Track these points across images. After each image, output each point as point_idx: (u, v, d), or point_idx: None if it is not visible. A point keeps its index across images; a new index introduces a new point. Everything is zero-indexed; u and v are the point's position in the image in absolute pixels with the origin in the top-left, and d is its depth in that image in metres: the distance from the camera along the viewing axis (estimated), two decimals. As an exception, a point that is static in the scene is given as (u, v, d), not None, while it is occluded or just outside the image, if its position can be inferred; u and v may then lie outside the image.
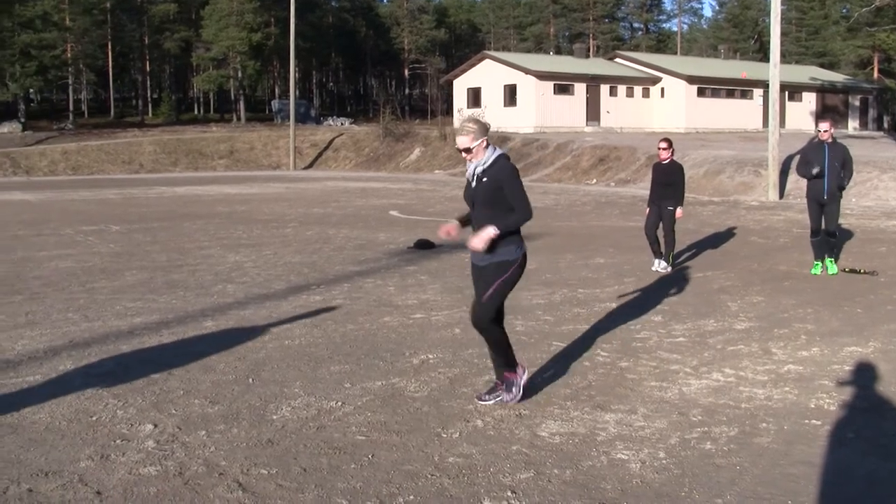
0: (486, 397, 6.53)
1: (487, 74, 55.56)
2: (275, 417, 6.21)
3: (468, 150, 6.20)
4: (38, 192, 33.10)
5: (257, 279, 12.24)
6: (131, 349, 8.23)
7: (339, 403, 6.50)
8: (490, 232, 6.06)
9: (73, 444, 5.69)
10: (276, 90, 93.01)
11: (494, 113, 51.61)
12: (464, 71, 58.87)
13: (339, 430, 5.95)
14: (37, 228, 19.51)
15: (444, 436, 5.83)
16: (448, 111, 62.01)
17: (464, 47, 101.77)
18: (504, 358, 6.45)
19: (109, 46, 79.76)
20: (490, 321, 6.27)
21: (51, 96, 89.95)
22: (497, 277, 6.20)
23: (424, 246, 15.31)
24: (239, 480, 5.09)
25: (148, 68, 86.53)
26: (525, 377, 6.55)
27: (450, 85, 61.30)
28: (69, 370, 7.50)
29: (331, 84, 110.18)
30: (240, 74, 78.22)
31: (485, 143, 6.21)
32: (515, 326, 9.03)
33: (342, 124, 69.57)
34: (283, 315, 9.76)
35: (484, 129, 6.19)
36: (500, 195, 6.12)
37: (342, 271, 12.89)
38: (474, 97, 56.11)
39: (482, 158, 6.21)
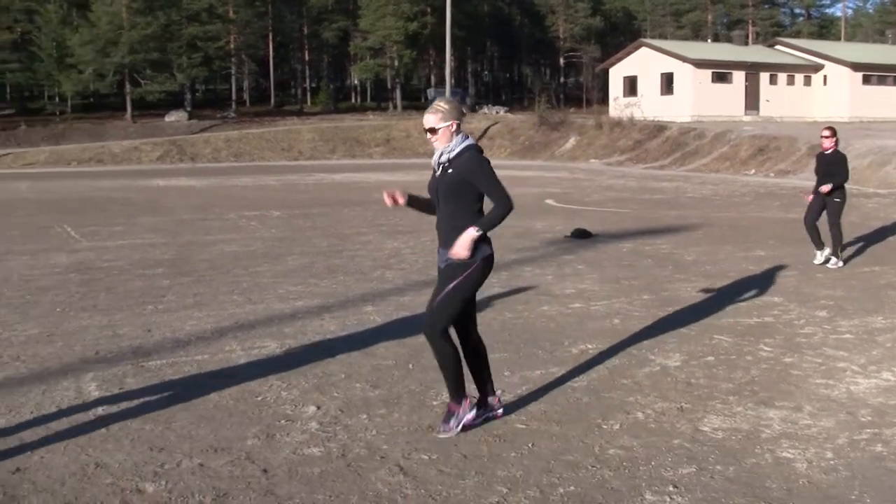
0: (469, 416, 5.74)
1: (644, 62, 54.78)
2: (435, 403, 6.25)
3: (433, 131, 5.53)
4: (202, 178, 34.21)
5: (415, 266, 12.37)
6: (294, 332, 8.42)
7: (499, 391, 6.49)
8: (471, 234, 5.43)
9: (240, 423, 5.85)
10: (432, 79, 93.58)
11: (651, 102, 50.95)
12: (620, 59, 58.19)
13: (499, 418, 5.95)
14: (202, 213, 20.20)
15: (605, 427, 5.77)
16: (604, 100, 61.45)
17: (619, 35, 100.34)
18: (450, 382, 5.65)
19: (270, 37, 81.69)
20: (440, 334, 5.49)
21: (214, 86, 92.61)
22: (451, 280, 5.51)
23: (582, 235, 15.18)
24: (400, 464, 5.14)
25: (307, 58, 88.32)
26: (470, 415, 5.69)
27: (605, 73, 60.71)
28: (235, 351, 7.73)
29: (486, 73, 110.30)
30: (396, 63, 79.04)
31: (454, 127, 5.52)
32: (675, 318, 8.89)
33: (497, 113, 69.52)
34: (441, 301, 9.81)
35: (456, 112, 5.54)
36: (463, 189, 5.47)
37: (499, 259, 12.79)
38: (630, 86, 55.43)
39: (448, 145, 5.54)
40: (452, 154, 5.52)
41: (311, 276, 11.46)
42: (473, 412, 5.70)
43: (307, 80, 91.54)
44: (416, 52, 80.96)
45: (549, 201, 23.02)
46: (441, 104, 5.56)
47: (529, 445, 5.43)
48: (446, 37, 54.54)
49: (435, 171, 5.67)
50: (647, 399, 6.33)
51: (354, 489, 4.80)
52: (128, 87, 65.57)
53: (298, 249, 13.94)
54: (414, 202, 5.76)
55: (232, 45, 74.44)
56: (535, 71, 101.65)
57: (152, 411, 6.08)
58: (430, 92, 79.94)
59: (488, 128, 57.87)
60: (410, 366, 7.21)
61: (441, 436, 5.59)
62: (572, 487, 4.81)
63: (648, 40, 61.74)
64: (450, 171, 5.52)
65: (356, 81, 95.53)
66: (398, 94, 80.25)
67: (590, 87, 73.91)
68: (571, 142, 50.00)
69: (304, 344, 7.95)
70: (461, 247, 5.44)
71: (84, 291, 10.59)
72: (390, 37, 76.67)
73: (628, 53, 57.61)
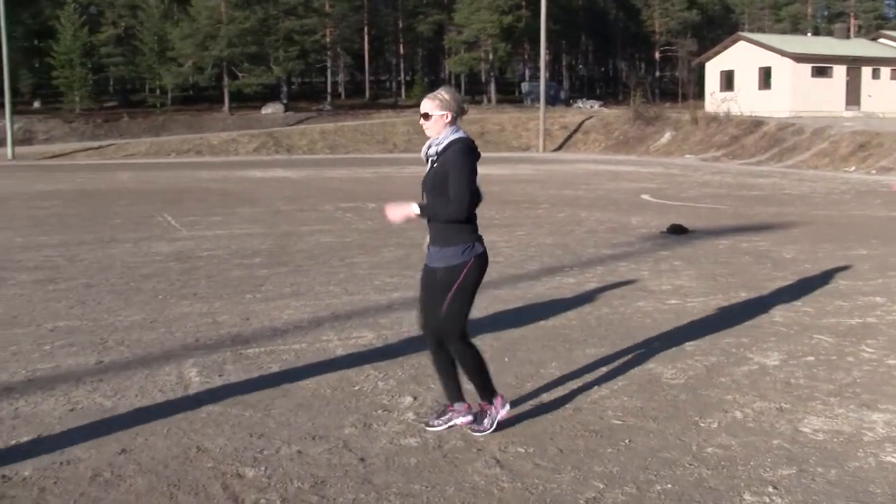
0: (435, 422, 5.67)
1: (741, 57, 53.90)
2: (531, 397, 6.25)
3: (426, 116, 5.36)
4: (298, 170, 34.64)
5: (511, 259, 12.37)
6: (390, 323, 8.49)
7: (595, 386, 6.48)
8: (411, 209, 5.36)
9: (337, 412, 5.92)
10: (526, 72, 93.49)
11: (748, 96, 50.10)
12: (716, 53, 57.36)
13: (595, 413, 5.92)
14: (298, 204, 20.47)
15: (703, 425, 5.70)
16: (700, 94, 60.56)
17: (716, 29, 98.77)
18: (478, 383, 5.56)
19: (365, 31, 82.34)
20: (458, 339, 5.42)
21: (310, 79, 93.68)
22: (448, 286, 5.37)
23: (678, 231, 15.01)
24: (496, 457, 5.15)
25: (402, 51, 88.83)
26: (504, 412, 5.59)
27: (701, 67, 59.90)
28: (332, 340, 7.82)
29: (580, 66, 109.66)
30: (490, 57, 79.02)
31: (447, 118, 5.34)
32: (774, 316, 8.75)
33: (591, 107, 69.12)
34: (537, 296, 9.82)
35: (454, 105, 5.37)
36: (445, 184, 5.29)
37: (595, 254, 12.84)
38: (727, 80, 54.60)
39: (438, 137, 5.37)
40: (440, 147, 5.36)
41: (407, 268, 11.54)
42: (507, 409, 5.59)
43: (402, 74, 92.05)
44: (510, 46, 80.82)
45: (645, 197, 22.79)
46: (442, 93, 5.41)
47: (626, 441, 5.39)
48: (541, 30, 54.23)
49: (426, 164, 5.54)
50: (745, 398, 6.24)
51: (451, 480, 4.83)
52: (226, 79, 66.71)
53: (394, 241, 14.04)
54: (426, 210, 5.39)
55: (328, 39, 75.18)
56: (630, 65, 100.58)
57: (251, 398, 6.18)
58: (525, 86, 79.80)
59: (582, 122, 57.54)
60: (506, 359, 7.22)
61: (476, 435, 5.48)
62: (669, 485, 4.77)
63: (746, 34, 60.65)
64: (436, 164, 5.38)
65: (451, 75, 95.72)
66: (492, 87, 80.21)
67: (685, 81, 72.86)
68: (667, 137, 49.43)
69: (401, 335, 8.02)
70: (393, 211, 5.48)
71: (184, 279, 10.83)
72: (485, 30, 76.66)
73: (725, 47, 56.75)
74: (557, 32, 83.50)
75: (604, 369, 6.95)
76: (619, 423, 5.74)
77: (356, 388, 6.44)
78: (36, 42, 75.25)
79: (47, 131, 57.34)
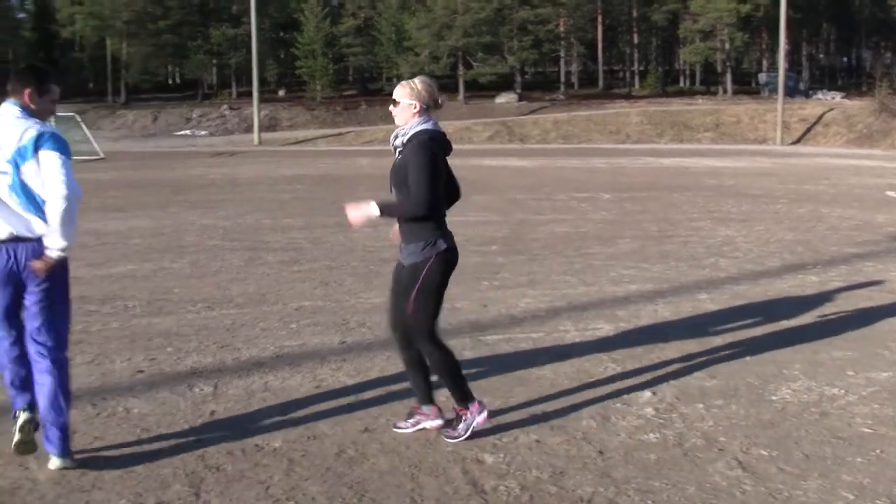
0: (401, 424, 5.45)
1: None
2: (774, 398, 6.01)
3: (395, 103, 5.17)
4: (531, 159, 34.80)
5: (749, 255, 11.97)
6: (627, 315, 8.38)
7: (842, 391, 6.16)
8: (369, 210, 5.05)
9: (575, 403, 5.87)
10: (764, 63, 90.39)
11: None
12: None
13: (843, 419, 5.63)
14: (532, 193, 20.55)
15: (967, 438, 5.34)
16: (955, 85, 56.86)
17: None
18: (452, 387, 5.29)
19: (599, 20, 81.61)
20: (426, 339, 5.19)
21: (543, 69, 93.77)
22: (411, 285, 5.17)
23: (931, 230, 14.16)
24: (738, 458, 4.98)
25: (635, 41, 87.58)
26: (481, 419, 5.29)
27: (960, 57, 56.25)
28: (569, 331, 7.78)
29: (821, 56, 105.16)
30: (727, 46, 76.83)
31: (416, 108, 5.12)
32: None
33: (833, 98, 66.13)
34: (778, 293, 9.47)
35: (425, 95, 5.13)
36: (405, 178, 5.06)
37: (838, 252, 12.26)
38: None
39: (405, 127, 5.15)
40: (405, 137, 5.13)
41: (643, 261, 11.36)
42: (485, 415, 5.30)
43: (635, 64, 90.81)
44: (747, 35, 78.31)
45: (891, 193, 21.59)
46: (415, 82, 5.19)
47: (877, 451, 5.10)
48: (780, 18, 52.35)
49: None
50: None
51: (692, 479, 4.70)
52: (461, 69, 67.70)
53: (629, 233, 13.86)
54: (386, 210, 5.10)
55: (562, 28, 75.00)
56: (875, 54, 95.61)
57: (490, 384, 6.23)
58: (762, 76, 77.14)
59: (823, 114, 55.15)
60: (748, 358, 6.97)
61: (449, 440, 5.23)
62: (929, 501, 4.48)
63: None
64: (399, 157, 5.17)
65: (685, 65, 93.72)
66: (728, 78, 77.95)
67: (938, 71, 68.61)
68: (919, 130, 46.71)
69: (638, 328, 7.89)
70: (353, 212, 5.15)
71: (424, 265, 11.02)
72: (721, 19, 74.49)
73: None
74: (797, 20, 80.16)
75: (851, 374, 6.60)
76: (869, 431, 5.43)
77: (594, 379, 6.38)
78: (281, 34, 78.69)
79: (290, 118, 60.00)
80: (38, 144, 4.66)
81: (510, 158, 35.04)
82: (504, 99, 66.17)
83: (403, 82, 5.22)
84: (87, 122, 47.79)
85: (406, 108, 5.14)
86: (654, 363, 6.79)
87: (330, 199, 18.87)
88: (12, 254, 4.77)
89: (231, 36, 72.75)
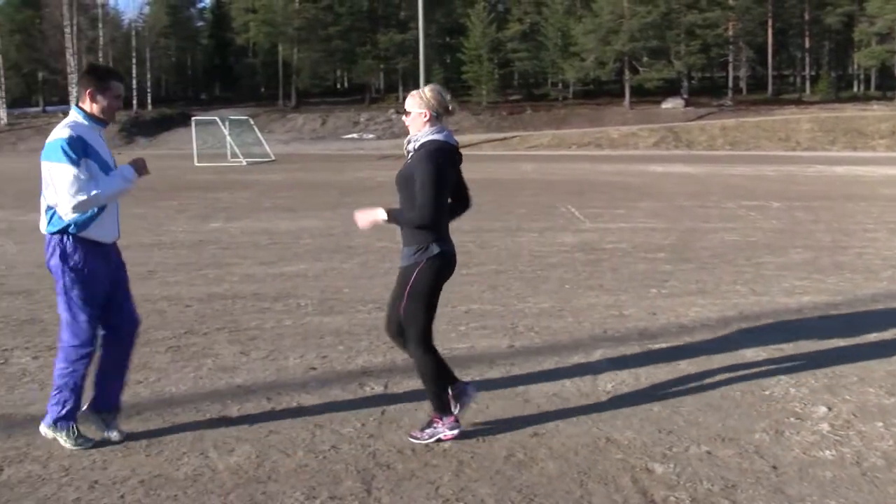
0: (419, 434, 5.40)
1: None
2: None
3: (407, 114, 5.32)
4: (698, 166, 34.21)
5: (937, 268, 11.51)
6: (800, 327, 8.15)
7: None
8: (376, 214, 5.26)
9: (747, 415, 5.76)
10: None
11: None
12: None
13: None
14: (700, 200, 20.22)
15: None
16: None
17: None
18: (432, 395, 5.35)
19: (769, 23, 79.53)
20: (417, 343, 5.27)
21: (710, 74, 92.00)
22: (402, 288, 5.23)
23: None
24: (921, 482, 4.80)
25: (807, 44, 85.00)
26: (451, 434, 5.30)
27: None
28: (740, 341, 7.62)
29: None
30: (905, 50, 73.89)
31: (426, 116, 5.22)
32: None
33: None
34: None
35: (435, 103, 5.22)
36: (412, 184, 5.14)
37: None
38: None
39: (417, 135, 5.25)
40: (417, 144, 5.23)
41: (816, 272, 11.04)
42: (455, 432, 5.30)
43: (807, 68, 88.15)
44: (930, 38, 75.06)
45: None
46: (424, 91, 5.27)
47: None
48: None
49: None
50: None
51: (870, 500, 4.56)
52: (626, 74, 67.11)
53: (801, 243, 13.48)
54: (392, 215, 5.29)
55: (730, 32, 73.43)
56: None
57: (659, 394, 6.17)
58: (945, 81, 73.80)
59: None
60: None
61: (411, 440, 5.31)
62: None
63: None
64: (408, 161, 5.26)
65: (860, 69, 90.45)
66: (906, 82, 74.95)
67: None
68: None
69: (811, 340, 7.67)
70: (361, 216, 5.33)
71: (590, 271, 11.02)
72: (900, 21, 71.68)
73: None
74: None
75: None
76: None
77: (767, 392, 6.24)
78: (447, 39, 79.66)
79: (456, 123, 60.44)
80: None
81: (676, 165, 34.52)
82: (670, 104, 65.25)
83: (413, 92, 5.35)
84: (259, 126, 49.44)
85: (417, 118, 5.27)
86: (830, 377, 6.59)
87: (496, 203, 19.00)
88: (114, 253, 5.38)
89: (398, 41, 74.09)
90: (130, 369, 5.61)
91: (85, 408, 5.35)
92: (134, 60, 77.06)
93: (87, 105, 5.16)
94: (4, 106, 70.14)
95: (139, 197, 20.17)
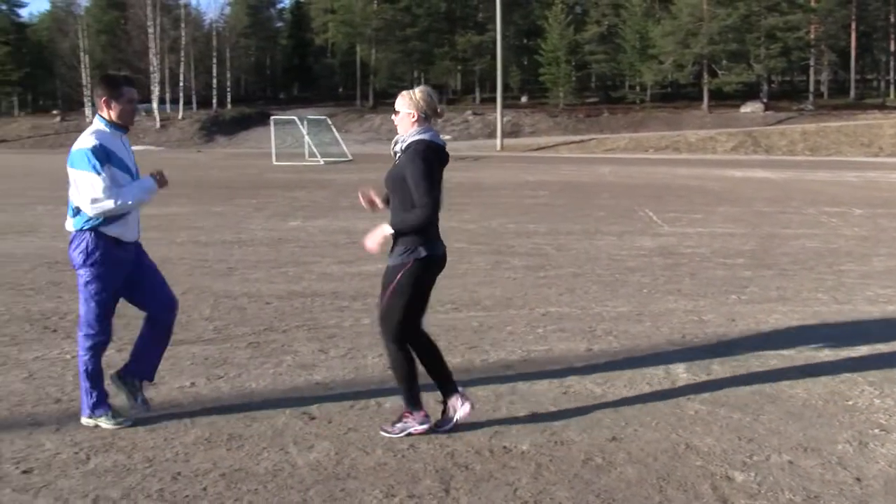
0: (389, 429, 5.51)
1: None
2: None
3: (396, 113, 5.38)
4: (778, 171, 33.77)
5: None
6: (885, 336, 7.98)
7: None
8: (383, 231, 5.27)
9: (829, 425, 5.67)
10: None
11: None
12: None
13: None
14: (780, 206, 19.96)
15: None
16: None
17: None
18: (404, 390, 5.45)
19: (853, 26, 78.10)
20: (392, 340, 5.35)
21: (791, 77, 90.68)
22: (387, 286, 5.32)
23: None
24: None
25: (892, 48, 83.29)
26: (422, 429, 5.43)
27: None
28: (822, 349, 7.51)
29: None
30: None
31: (414, 117, 5.28)
32: None
33: None
34: None
35: (423, 105, 5.28)
36: (402, 183, 5.19)
37: None
38: None
39: (405, 135, 5.29)
40: (404, 145, 5.28)
41: (903, 280, 10.86)
42: (425, 427, 5.44)
43: (891, 72, 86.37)
44: None
45: None
46: (414, 92, 5.35)
47: None
48: None
49: None
50: None
51: (958, 515, 4.47)
52: (705, 77, 66.44)
53: (885, 250, 13.23)
54: (395, 225, 5.33)
55: (812, 36, 72.27)
56: None
57: (739, 400, 6.10)
58: None
59: None
60: None
61: (382, 434, 5.44)
62: None
63: None
64: (397, 163, 5.30)
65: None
66: None
67: None
68: None
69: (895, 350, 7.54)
70: (371, 239, 5.33)
71: (668, 275, 10.94)
72: None
73: None
74: None
75: None
76: None
77: (850, 402, 6.14)
78: (525, 41, 79.59)
79: (533, 125, 60.56)
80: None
81: (755, 170, 34.08)
82: (749, 108, 64.48)
83: (403, 93, 5.42)
84: (337, 126, 49.84)
85: (405, 118, 5.34)
86: (917, 388, 6.47)
87: (573, 206, 18.96)
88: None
89: (476, 43, 74.25)
90: (169, 345, 5.94)
91: (113, 373, 5.73)
92: (214, 60, 78.32)
93: (105, 113, 5.46)
94: (90, 104, 71.67)
95: (218, 195, 20.47)
